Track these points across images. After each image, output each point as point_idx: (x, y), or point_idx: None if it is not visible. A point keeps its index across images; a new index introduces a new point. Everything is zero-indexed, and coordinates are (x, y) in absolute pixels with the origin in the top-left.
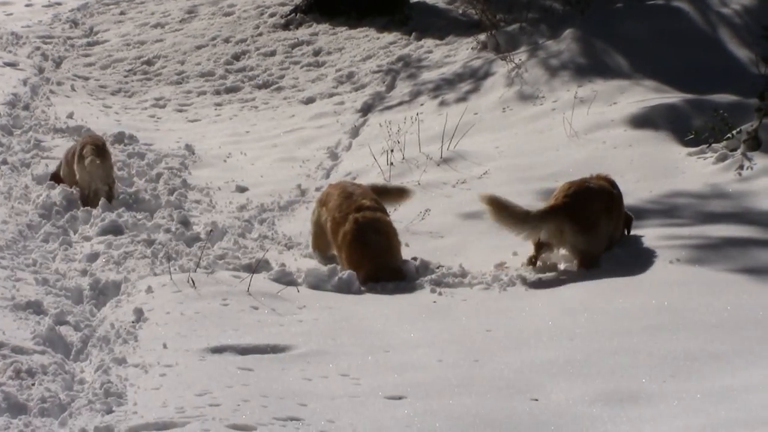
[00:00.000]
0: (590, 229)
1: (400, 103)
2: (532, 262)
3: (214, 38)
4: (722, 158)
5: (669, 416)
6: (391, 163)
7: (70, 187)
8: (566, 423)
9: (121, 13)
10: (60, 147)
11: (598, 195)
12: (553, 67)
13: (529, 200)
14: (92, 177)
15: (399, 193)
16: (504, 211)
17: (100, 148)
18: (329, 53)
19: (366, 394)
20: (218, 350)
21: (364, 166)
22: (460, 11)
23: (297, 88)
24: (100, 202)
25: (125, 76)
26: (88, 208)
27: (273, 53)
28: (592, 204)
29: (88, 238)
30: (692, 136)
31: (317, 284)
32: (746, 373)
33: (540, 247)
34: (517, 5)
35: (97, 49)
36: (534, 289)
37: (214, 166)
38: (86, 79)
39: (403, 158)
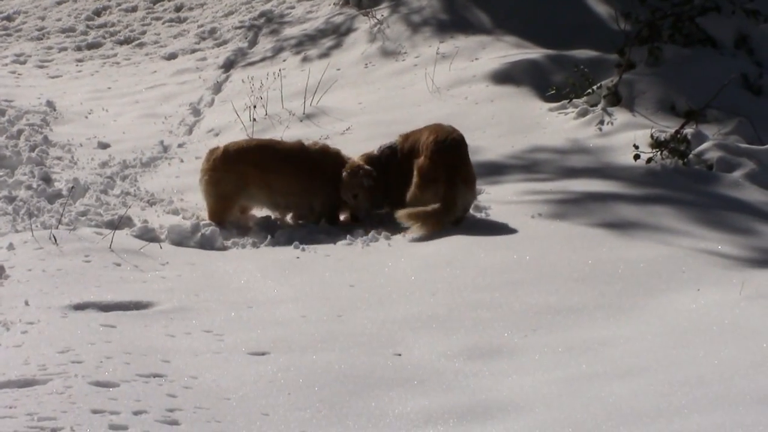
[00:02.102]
0: (473, 184)
1: (263, 59)
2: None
3: None
4: (583, 114)
5: (531, 369)
6: (254, 119)
7: None
8: (429, 377)
9: None
10: None
11: (463, 143)
12: (415, 23)
13: None
14: None
15: None
16: (425, 218)
17: None
18: (191, 9)
19: (229, 350)
20: (81, 307)
21: (227, 122)
22: None
23: (159, 44)
24: None
25: None
26: None
27: (134, 9)
28: (467, 156)
29: None
30: (553, 92)
31: (180, 240)
32: (606, 326)
33: None
34: None
35: None
36: (396, 244)
37: (75, 123)
38: None
39: (266, 114)
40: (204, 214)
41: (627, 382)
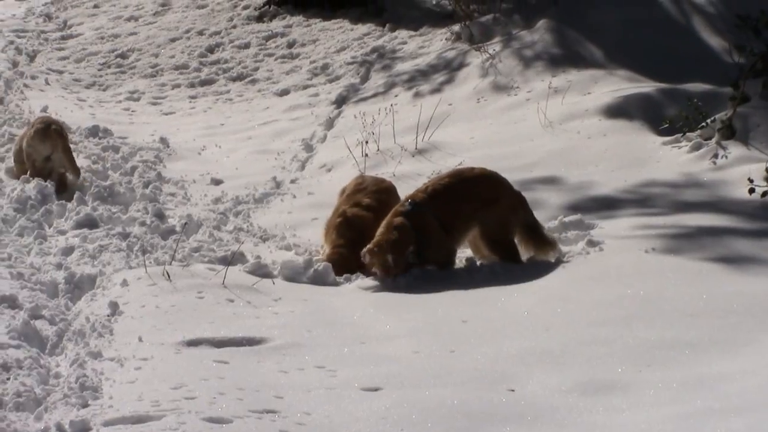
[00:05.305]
0: None
1: (375, 95)
2: None
3: (188, 31)
4: (697, 147)
5: (645, 405)
6: (366, 155)
7: (24, 173)
8: (543, 413)
9: (95, 6)
10: None
11: None
12: (527, 57)
13: None
14: (34, 151)
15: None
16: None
17: (45, 127)
18: (303, 45)
19: (342, 385)
20: (194, 343)
21: (339, 158)
22: (434, 2)
23: (271, 81)
24: (75, 196)
25: (99, 70)
26: (63, 201)
27: (247, 45)
28: None
29: (62, 232)
30: (666, 125)
31: (293, 276)
32: (721, 361)
33: None
34: None
35: (71, 43)
36: (509, 279)
37: (188, 159)
38: (60, 72)
39: (378, 149)
40: (322, 251)
41: (743, 418)
